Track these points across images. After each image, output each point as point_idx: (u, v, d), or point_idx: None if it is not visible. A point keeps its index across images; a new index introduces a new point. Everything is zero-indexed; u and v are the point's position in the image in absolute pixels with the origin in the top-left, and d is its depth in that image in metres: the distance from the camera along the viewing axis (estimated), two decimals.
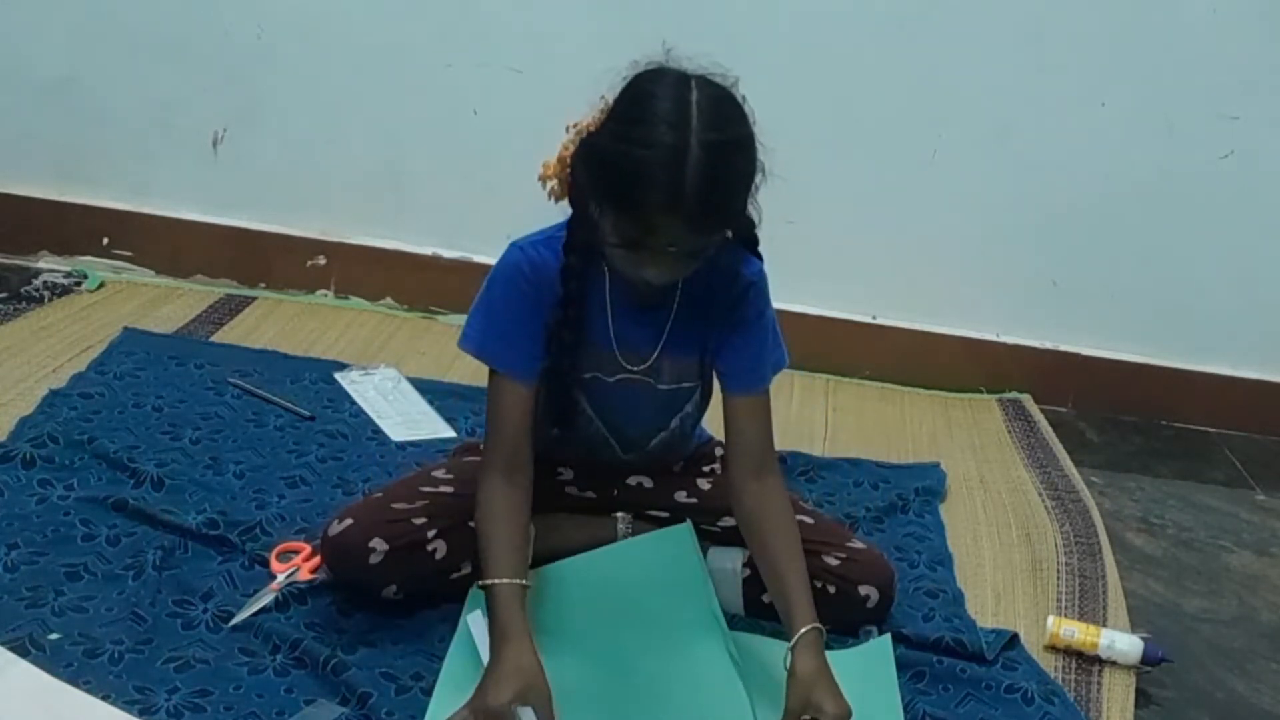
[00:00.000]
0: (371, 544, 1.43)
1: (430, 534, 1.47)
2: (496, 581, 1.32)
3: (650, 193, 1.23)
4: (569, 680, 1.32)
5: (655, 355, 1.48)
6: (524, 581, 1.34)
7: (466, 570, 1.49)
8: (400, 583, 1.46)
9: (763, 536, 1.44)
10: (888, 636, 1.51)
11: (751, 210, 1.36)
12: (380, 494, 1.54)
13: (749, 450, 1.47)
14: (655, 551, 1.53)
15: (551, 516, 1.58)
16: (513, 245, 1.43)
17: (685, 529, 1.53)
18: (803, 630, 1.33)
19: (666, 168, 1.22)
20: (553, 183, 1.38)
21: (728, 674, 1.41)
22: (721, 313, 1.46)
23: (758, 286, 1.47)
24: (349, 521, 1.46)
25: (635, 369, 1.48)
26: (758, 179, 1.31)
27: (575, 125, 1.35)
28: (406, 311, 2.59)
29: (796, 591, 1.38)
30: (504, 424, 1.42)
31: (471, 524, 1.47)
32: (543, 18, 2.38)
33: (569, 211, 1.41)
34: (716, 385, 1.57)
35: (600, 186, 1.29)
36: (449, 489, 1.53)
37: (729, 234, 1.35)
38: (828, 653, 1.34)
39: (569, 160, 1.36)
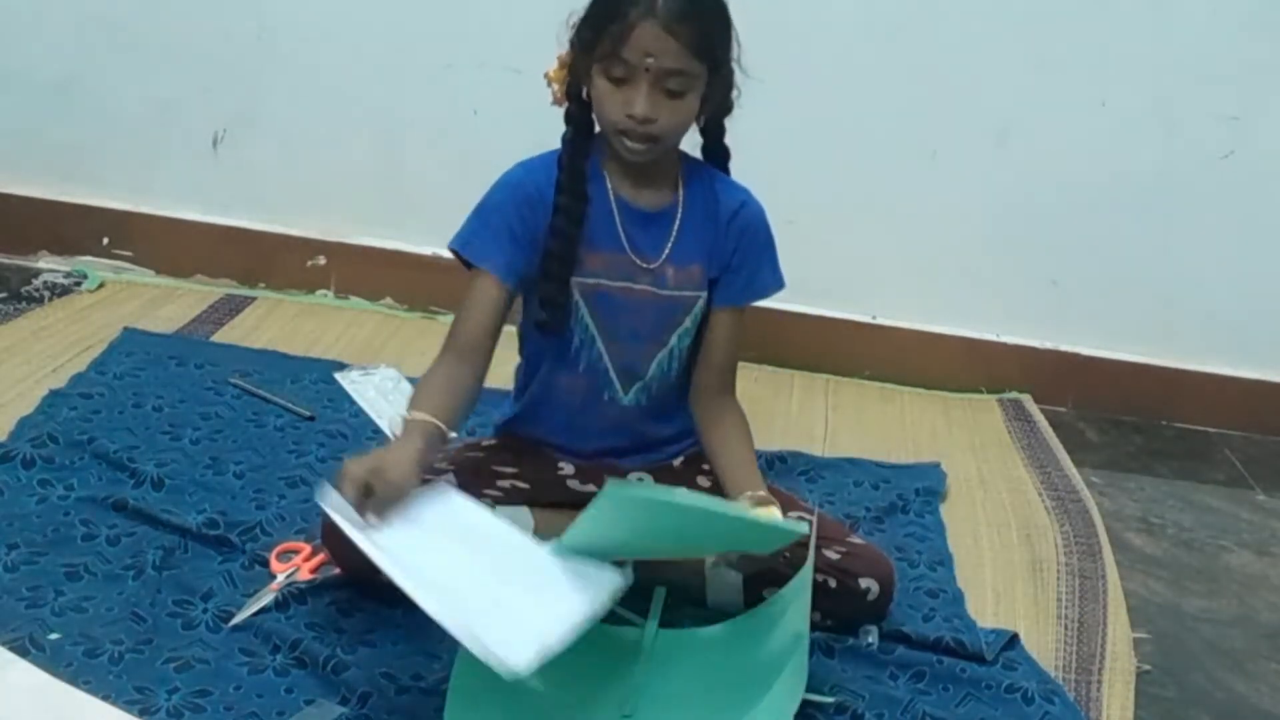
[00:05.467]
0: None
1: None
2: (422, 419, 1.36)
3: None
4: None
5: (664, 257, 1.54)
6: (439, 423, 1.37)
7: None
8: None
9: (721, 435, 1.58)
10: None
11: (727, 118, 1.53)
12: None
13: (718, 362, 1.61)
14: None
15: (553, 513, 1.58)
16: (515, 164, 1.54)
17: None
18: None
19: None
20: (555, 85, 1.51)
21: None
22: (725, 221, 1.57)
23: (756, 207, 1.60)
24: None
25: (646, 268, 1.54)
26: (735, 53, 1.47)
27: (569, 19, 1.49)
28: (406, 311, 2.59)
29: (747, 471, 1.52)
30: (472, 314, 1.48)
31: None
32: (543, 18, 2.37)
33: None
34: None
35: (585, 22, 1.45)
36: (451, 479, 1.54)
37: (705, 84, 1.45)
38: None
39: (567, 58, 1.50)
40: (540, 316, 1.52)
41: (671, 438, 1.67)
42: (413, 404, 1.41)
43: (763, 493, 1.48)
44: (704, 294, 1.59)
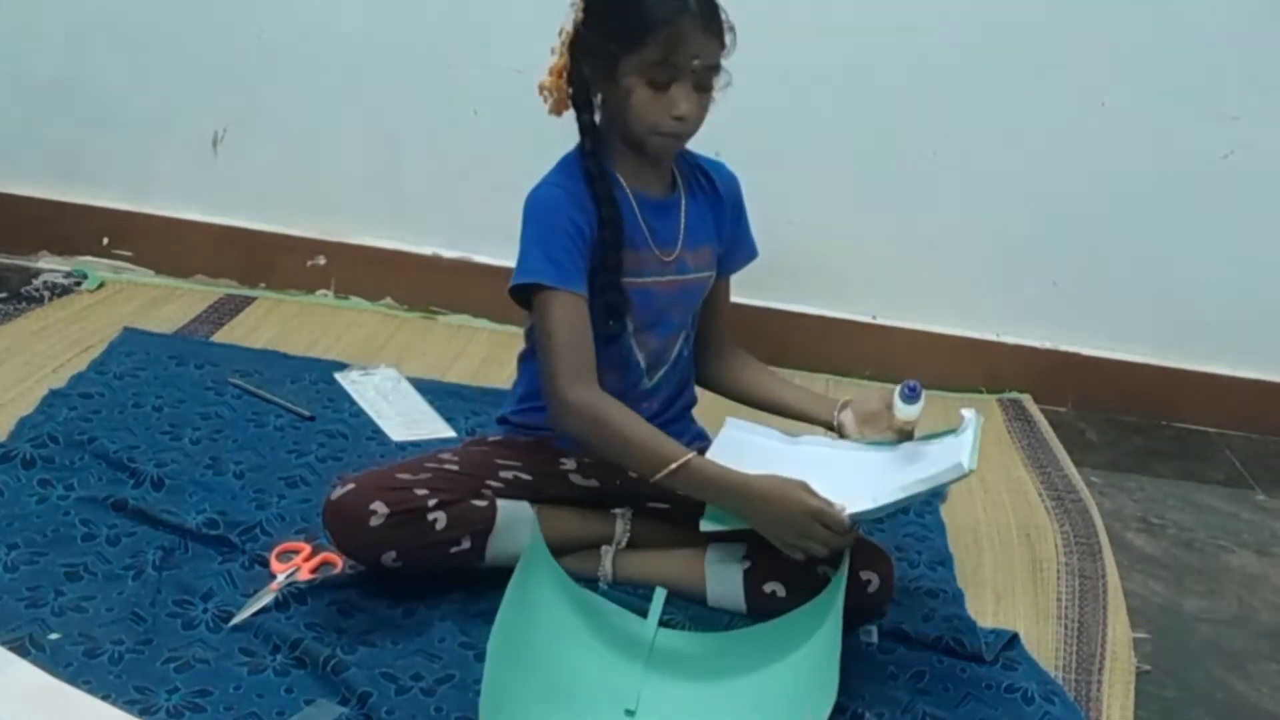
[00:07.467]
0: (372, 506, 1.44)
1: (431, 503, 1.47)
2: (689, 458, 1.43)
3: (663, 6, 1.42)
4: None
5: (680, 243, 1.59)
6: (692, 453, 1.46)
7: (466, 545, 1.50)
8: (400, 550, 1.46)
9: (751, 375, 1.72)
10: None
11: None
12: (386, 467, 1.56)
13: (726, 320, 1.73)
14: None
15: (554, 508, 1.59)
16: (537, 186, 1.53)
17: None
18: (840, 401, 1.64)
19: None
20: (552, 94, 1.52)
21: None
22: (725, 197, 1.65)
23: (735, 175, 1.68)
24: (350, 485, 1.47)
25: (667, 259, 1.58)
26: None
27: (561, 33, 1.51)
28: (406, 311, 2.59)
29: (802, 393, 1.72)
30: (577, 336, 1.48)
31: (474, 501, 1.51)
32: (542, 18, 2.37)
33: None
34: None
35: (613, 39, 1.45)
36: (454, 466, 1.55)
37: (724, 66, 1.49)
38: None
39: (564, 68, 1.51)
40: (604, 325, 1.52)
41: (677, 416, 1.69)
42: (670, 447, 1.45)
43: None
44: (714, 273, 1.65)
